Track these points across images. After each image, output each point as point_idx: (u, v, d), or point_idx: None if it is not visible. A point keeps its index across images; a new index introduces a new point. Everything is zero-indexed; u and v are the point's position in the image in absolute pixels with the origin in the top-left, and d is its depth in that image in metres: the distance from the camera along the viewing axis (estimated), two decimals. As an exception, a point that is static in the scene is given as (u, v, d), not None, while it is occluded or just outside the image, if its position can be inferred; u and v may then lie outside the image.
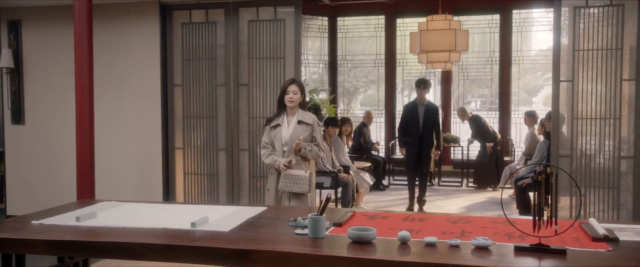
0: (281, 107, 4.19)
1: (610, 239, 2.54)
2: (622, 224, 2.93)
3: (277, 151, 4.15)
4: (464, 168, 9.00)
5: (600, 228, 2.67)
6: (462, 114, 8.80)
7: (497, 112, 9.83)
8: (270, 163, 4.14)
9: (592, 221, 2.84)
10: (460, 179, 8.94)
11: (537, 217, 2.40)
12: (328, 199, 2.72)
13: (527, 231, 2.46)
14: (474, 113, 8.87)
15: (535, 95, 17.73)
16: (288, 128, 4.13)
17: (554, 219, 2.39)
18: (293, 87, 4.12)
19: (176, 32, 5.86)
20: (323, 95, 9.63)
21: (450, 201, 7.51)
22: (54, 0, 5.85)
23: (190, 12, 5.81)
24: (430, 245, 2.47)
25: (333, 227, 2.79)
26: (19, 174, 6.38)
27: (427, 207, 6.97)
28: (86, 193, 4.51)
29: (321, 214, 2.64)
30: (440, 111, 6.67)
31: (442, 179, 9.11)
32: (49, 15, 6.15)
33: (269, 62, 5.63)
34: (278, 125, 4.16)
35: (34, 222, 2.93)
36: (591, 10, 4.81)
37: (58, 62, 6.09)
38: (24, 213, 6.14)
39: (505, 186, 7.73)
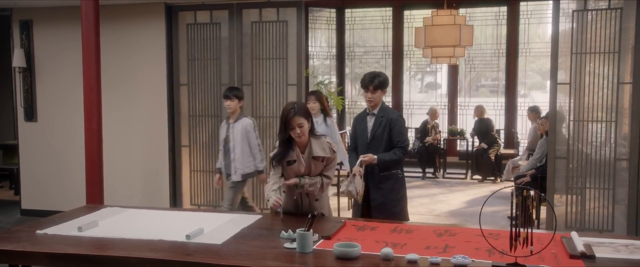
0: (287, 143, 3.31)
1: (587, 257, 2.62)
2: (603, 238, 3.00)
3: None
4: (468, 159, 9.08)
5: (580, 243, 2.75)
6: (479, 112, 8.92)
7: (503, 101, 9.86)
8: (267, 195, 3.39)
9: (574, 235, 2.91)
10: (464, 171, 9.02)
11: (514, 237, 2.49)
12: (314, 215, 2.83)
13: (508, 246, 2.54)
14: (487, 116, 9.04)
15: (549, 79, 17.70)
16: (304, 164, 3.35)
17: (530, 231, 2.47)
18: (298, 120, 3.20)
19: (181, 32, 5.98)
20: (332, 80, 9.72)
21: (453, 195, 7.60)
22: (63, 0, 5.98)
23: (195, 13, 5.91)
24: (412, 262, 2.57)
25: (322, 240, 2.90)
26: (32, 169, 6.60)
27: (429, 201, 7.07)
28: (95, 199, 4.70)
29: (308, 229, 2.75)
30: (404, 123, 4.19)
31: (447, 171, 9.19)
32: (59, 16, 6.30)
33: (272, 62, 5.73)
34: (293, 161, 3.34)
35: (38, 232, 3.09)
36: (589, 13, 4.82)
37: (68, 61, 6.25)
38: (37, 207, 6.44)
39: (510, 178, 7.85)
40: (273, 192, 3.33)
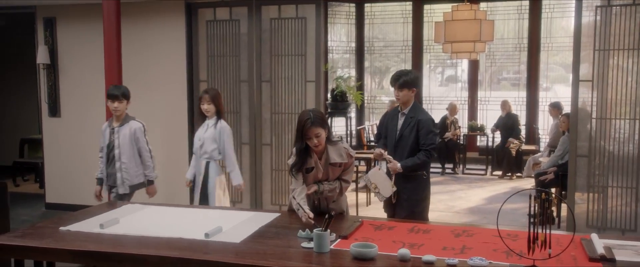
0: (304, 152, 3.28)
1: (607, 260, 2.59)
2: (624, 241, 2.96)
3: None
4: (489, 155, 9.01)
5: (600, 246, 2.72)
6: (504, 106, 8.88)
7: (525, 95, 9.75)
8: (295, 206, 3.30)
9: (594, 237, 2.88)
10: (484, 167, 8.95)
11: (532, 240, 2.48)
12: (332, 215, 2.85)
13: (527, 248, 2.52)
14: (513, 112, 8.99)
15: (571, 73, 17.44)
16: (321, 170, 3.34)
17: (549, 233, 2.46)
18: (315, 130, 3.17)
19: (201, 29, 6.02)
20: (352, 74, 9.70)
21: (472, 192, 7.55)
22: (85, -2, 6.09)
23: (214, 10, 5.95)
24: (429, 263, 2.57)
25: (339, 240, 2.92)
26: (56, 163, 6.73)
27: (448, 198, 7.04)
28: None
29: (326, 229, 2.77)
30: (435, 127, 4.10)
31: (467, 167, 9.13)
32: (82, 13, 6.39)
33: (291, 59, 5.74)
34: (311, 168, 3.32)
35: (62, 228, 3.16)
36: (613, 9, 4.73)
37: (90, 58, 6.35)
38: (61, 200, 6.57)
39: (531, 175, 7.77)
40: (302, 203, 3.24)
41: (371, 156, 6.92)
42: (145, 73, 6.21)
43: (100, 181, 4.58)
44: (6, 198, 4.53)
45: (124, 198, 4.46)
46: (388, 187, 4.02)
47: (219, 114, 4.62)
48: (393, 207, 4.12)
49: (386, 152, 4.06)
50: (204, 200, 4.58)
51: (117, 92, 4.40)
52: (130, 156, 4.46)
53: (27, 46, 8.27)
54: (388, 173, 4.10)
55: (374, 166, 4.19)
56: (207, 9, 5.98)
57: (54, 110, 6.63)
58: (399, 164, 3.96)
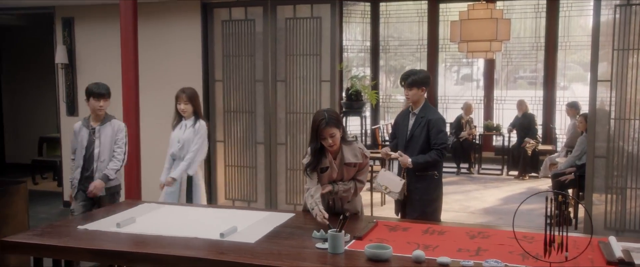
0: (319, 152, 3.29)
1: (626, 263, 2.56)
2: (643, 243, 2.93)
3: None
4: (504, 155, 8.94)
5: (618, 249, 2.69)
6: (521, 106, 8.81)
7: (542, 95, 9.65)
8: (310, 206, 3.31)
9: (612, 240, 2.85)
10: (500, 167, 8.87)
11: (549, 242, 2.45)
12: (346, 216, 2.85)
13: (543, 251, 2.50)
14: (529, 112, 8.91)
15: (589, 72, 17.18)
16: (336, 170, 3.35)
17: (566, 235, 2.43)
18: (330, 130, 3.18)
19: (217, 29, 6.05)
20: (367, 73, 9.67)
21: (488, 192, 7.49)
22: (103, -1, 6.15)
23: (230, 10, 5.98)
24: (443, 265, 2.56)
25: (353, 241, 2.92)
26: (73, 162, 6.80)
27: (463, 198, 7.00)
28: (133, 194, 4.83)
29: (340, 230, 2.77)
30: (446, 127, 4.21)
31: (483, 166, 9.06)
32: (99, 13, 6.46)
33: (306, 58, 5.75)
34: (326, 167, 3.34)
35: (79, 227, 3.20)
36: (633, 8, 4.66)
37: (108, 57, 6.41)
38: (78, 199, 6.59)
39: (548, 175, 7.70)
40: (317, 202, 3.25)
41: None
42: (161, 72, 6.25)
43: (74, 185, 4.35)
44: (25, 196, 4.59)
45: (100, 200, 4.28)
46: (397, 183, 4.01)
47: (197, 114, 4.55)
48: (404, 207, 4.11)
49: (395, 152, 4.04)
50: (190, 201, 4.54)
51: (103, 91, 4.26)
52: (109, 155, 4.30)
53: (45, 46, 8.38)
54: (399, 170, 4.08)
55: (387, 166, 4.18)
56: (222, 9, 6.01)
57: (72, 110, 6.71)
58: (409, 159, 3.94)
